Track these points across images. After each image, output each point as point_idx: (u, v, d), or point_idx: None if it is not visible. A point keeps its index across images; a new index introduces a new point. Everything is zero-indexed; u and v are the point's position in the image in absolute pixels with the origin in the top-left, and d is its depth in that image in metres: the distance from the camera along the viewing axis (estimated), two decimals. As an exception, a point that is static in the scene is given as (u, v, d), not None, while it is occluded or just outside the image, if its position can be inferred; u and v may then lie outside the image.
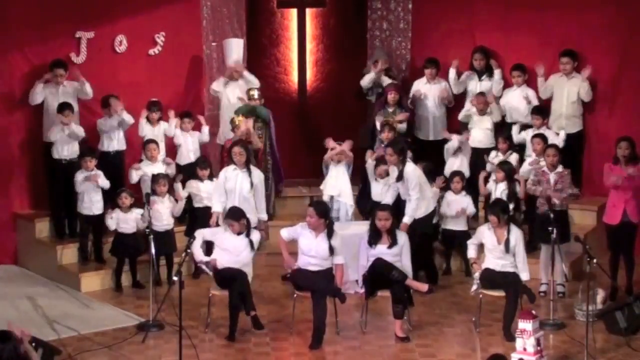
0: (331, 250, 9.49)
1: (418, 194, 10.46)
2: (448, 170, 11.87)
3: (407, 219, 10.43)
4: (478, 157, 11.87)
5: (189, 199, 11.43)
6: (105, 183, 11.15)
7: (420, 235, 10.57)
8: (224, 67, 12.69)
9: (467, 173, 11.71)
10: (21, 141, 11.86)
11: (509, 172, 11.09)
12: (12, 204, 11.95)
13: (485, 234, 9.71)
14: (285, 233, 9.74)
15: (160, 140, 11.78)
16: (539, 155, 10.98)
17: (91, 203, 11.16)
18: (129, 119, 11.57)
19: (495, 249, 9.61)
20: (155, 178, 11.08)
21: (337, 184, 11.65)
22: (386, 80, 12.59)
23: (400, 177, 10.51)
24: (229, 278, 9.49)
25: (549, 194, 10.30)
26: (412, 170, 10.52)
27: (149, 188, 11.13)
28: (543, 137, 11.18)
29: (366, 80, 12.74)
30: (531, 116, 11.81)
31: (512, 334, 9.02)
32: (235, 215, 9.80)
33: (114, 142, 11.67)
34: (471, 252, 9.88)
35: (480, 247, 9.85)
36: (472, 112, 12.19)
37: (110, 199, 11.23)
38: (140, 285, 10.97)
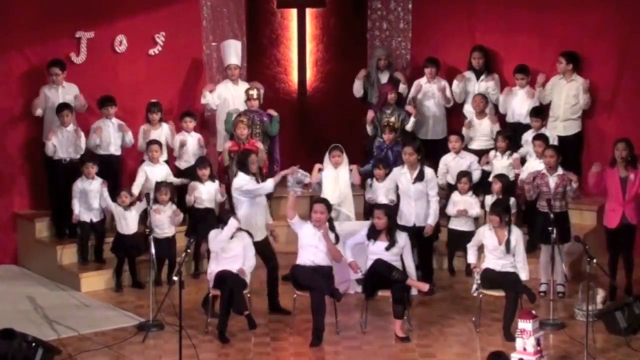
0: (337, 238, 9.69)
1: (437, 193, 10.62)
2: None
3: (432, 221, 10.57)
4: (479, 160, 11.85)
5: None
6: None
7: (422, 236, 10.60)
8: (222, 68, 12.67)
9: (475, 175, 11.55)
10: (21, 141, 11.86)
11: (507, 184, 11.04)
12: (12, 204, 11.94)
13: (486, 234, 9.70)
14: (297, 218, 9.78)
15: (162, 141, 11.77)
16: (540, 157, 10.93)
17: (89, 210, 11.15)
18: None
19: (496, 250, 9.60)
20: (158, 186, 11.03)
21: (336, 189, 10.87)
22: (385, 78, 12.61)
23: (420, 177, 10.51)
24: (223, 280, 9.50)
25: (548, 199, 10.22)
26: (432, 170, 10.63)
27: (150, 188, 11.13)
28: (544, 139, 11.13)
29: (356, 87, 12.73)
30: (530, 119, 11.79)
31: (512, 334, 9.02)
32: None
33: (111, 146, 11.65)
34: (471, 258, 9.86)
35: (480, 247, 9.86)
36: (471, 115, 12.18)
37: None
38: (140, 285, 10.96)
